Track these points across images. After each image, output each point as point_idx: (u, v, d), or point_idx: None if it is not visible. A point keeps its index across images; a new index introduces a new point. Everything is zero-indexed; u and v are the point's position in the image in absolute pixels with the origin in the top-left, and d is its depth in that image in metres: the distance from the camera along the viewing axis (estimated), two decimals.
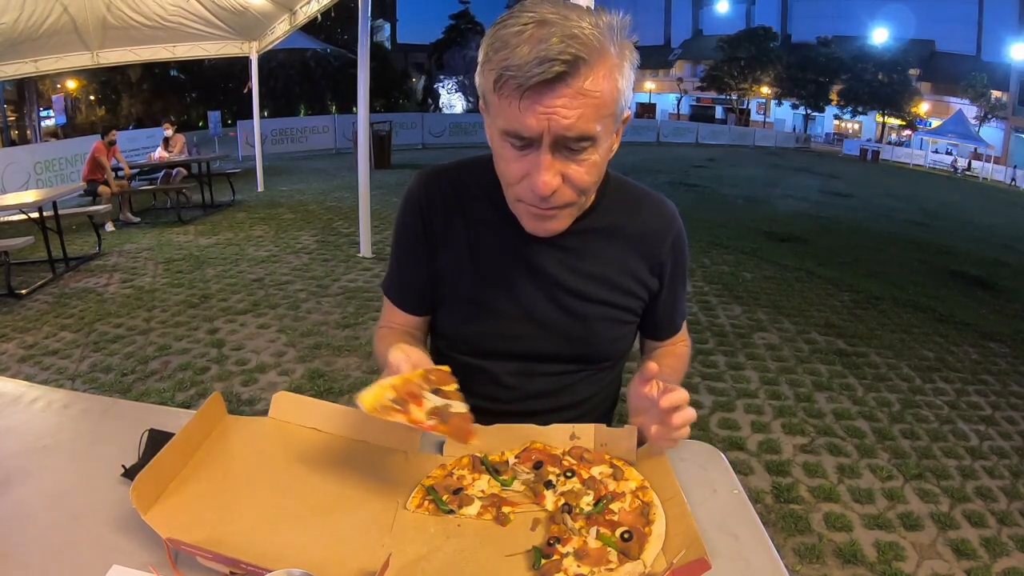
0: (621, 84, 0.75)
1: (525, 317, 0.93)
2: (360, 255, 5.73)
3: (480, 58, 0.77)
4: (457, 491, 0.76)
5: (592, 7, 0.81)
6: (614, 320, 0.96)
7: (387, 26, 39.85)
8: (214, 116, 16.81)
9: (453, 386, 0.78)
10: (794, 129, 35.52)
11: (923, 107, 33.93)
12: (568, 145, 0.74)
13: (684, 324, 1.08)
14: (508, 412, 0.93)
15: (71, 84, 23.62)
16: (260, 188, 9.53)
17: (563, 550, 0.67)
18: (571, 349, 0.95)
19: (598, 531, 0.69)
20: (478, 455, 0.83)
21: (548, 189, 0.76)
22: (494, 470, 0.81)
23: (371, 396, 0.72)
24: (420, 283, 0.98)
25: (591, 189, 0.82)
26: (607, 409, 1.09)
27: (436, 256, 0.95)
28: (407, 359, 0.79)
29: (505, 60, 0.71)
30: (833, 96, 34.79)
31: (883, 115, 34.26)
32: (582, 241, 0.91)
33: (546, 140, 0.73)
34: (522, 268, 0.92)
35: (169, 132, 8.34)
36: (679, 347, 1.08)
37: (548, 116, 0.71)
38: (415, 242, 0.96)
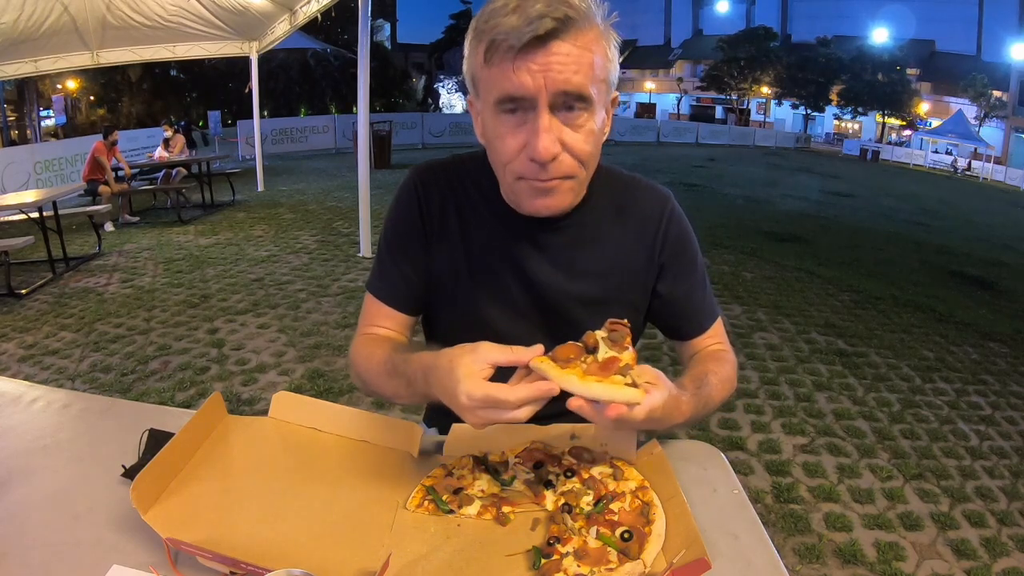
0: (610, 54, 0.75)
1: (519, 320, 0.91)
2: (360, 255, 5.72)
3: (467, 44, 0.76)
4: (457, 491, 0.76)
5: None
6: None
7: (387, 26, 39.85)
8: (214, 116, 16.89)
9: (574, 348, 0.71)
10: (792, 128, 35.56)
11: (923, 107, 33.97)
12: (566, 104, 0.73)
13: (717, 326, 0.97)
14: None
15: (71, 84, 23.60)
16: (260, 188, 9.53)
17: (563, 550, 0.67)
18: None
19: (598, 531, 0.69)
20: (478, 455, 0.83)
21: (548, 153, 0.73)
22: (494, 470, 0.81)
23: (590, 383, 0.63)
24: (417, 278, 0.93)
25: (590, 161, 0.79)
26: None
27: (431, 253, 0.92)
28: (488, 345, 0.70)
29: (495, 29, 0.70)
30: (833, 96, 34.81)
31: (883, 115, 34.29)
32: (575, 237, 0.89)
33: (543, 100, 0.71)
34: (515, 270, 0.89)
35: (169, 133, 8.35)
36: (715, 350, 0.96)
37: (544, 72, 0.70)
38: (412, 235, 0.92)
